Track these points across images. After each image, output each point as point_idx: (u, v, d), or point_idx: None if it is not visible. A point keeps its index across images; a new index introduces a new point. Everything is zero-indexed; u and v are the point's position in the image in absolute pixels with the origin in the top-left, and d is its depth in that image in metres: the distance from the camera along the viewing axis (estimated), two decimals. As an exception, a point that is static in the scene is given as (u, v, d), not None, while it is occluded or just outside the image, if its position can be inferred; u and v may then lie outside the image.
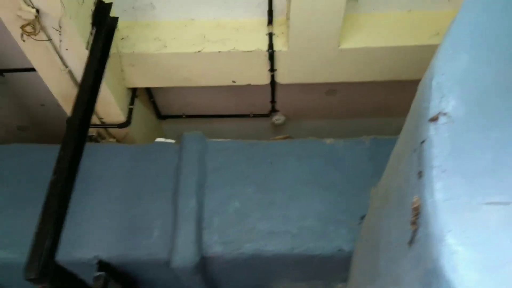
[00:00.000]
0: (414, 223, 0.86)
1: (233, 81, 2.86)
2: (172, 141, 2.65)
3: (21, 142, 2.72)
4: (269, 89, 3.18)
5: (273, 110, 3.62)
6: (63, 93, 2.45)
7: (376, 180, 2.39)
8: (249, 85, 2.92)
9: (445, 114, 0.91)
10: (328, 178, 2.43)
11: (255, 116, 3.67)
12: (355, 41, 2.60)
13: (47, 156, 2.48)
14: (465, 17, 1.05)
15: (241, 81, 2.86)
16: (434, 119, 0.91)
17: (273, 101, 3.44)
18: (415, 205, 0.86)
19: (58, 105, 3.02)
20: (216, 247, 2.21)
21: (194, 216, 2.27)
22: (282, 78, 2.84)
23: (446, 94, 0.93)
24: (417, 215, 0.85)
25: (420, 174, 0.88)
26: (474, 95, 0.94)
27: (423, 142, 0.90)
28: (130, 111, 2.85)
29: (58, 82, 2.35)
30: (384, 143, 2.55)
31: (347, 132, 4.02)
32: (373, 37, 2.61)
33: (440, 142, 0.87)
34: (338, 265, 2.24)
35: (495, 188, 0.80)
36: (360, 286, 1.53)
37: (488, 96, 0.94)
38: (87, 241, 2.21)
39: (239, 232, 2.25)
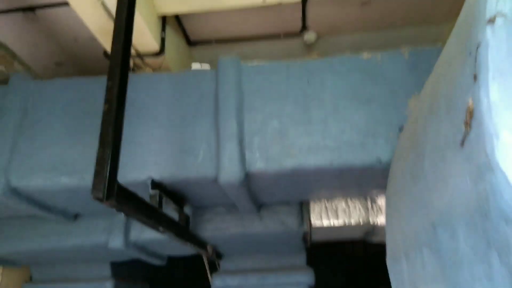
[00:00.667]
0: (467, 124, 0.90)
1: (263, 0, 2.77)
2: (208, 66, 2.68)
3: (58, 77, 2.84)
4: (300, 5, 3.06)
5: (304, 28, 3.52)
6: (98, 25, 2.47)
7: (414, 91, 2.40)
8: (279, 4, 2.82)
9: (503, 15, 0.89)
10: (366, 92, 2.44)
11: (286, 35, 3.58)
12: None
13: (92, 88, 2.62)
14: None
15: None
16: (491, 20, 0.90)
17: (304, 17, 3.33)
18: (469, 107, 0.90)
19: (91, 39, 3.05)
20: (258, 164, 2.35)
21: (236, 137, 2.38)
22: (313, -9, 2.71)
23: (504, -7, 0.91)
24: (471, 116, 0.89)
25: (475, 77, 0.90)
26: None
27: (478, 44, 0.91)
28: (163, 40, 2.86)
29: (93, 15, 2.37)
30: (423, 54, 2.49)
31: (384, 44, 3.90)
32: None
33: (497, 44, 0.87)
34: (376, 174, 2.35)
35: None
36: (400, 189, 1.63)
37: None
38: (140, 164, 2.39)
39: (279, 149, 2.36)
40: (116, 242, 2.97)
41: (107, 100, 1.88)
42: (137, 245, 3.14)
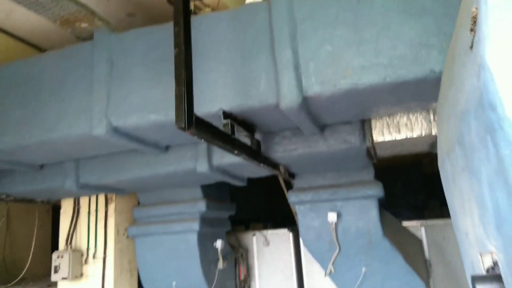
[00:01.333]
0: (472, 29, 1.03)
1: None
2: (260, -1, 2.82)
3: (130, 28, 3.19)
4: None
5: None
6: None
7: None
8: None
9: None
10: (417, 3, 2.42)
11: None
12: None
13: (163, 35, 2.94)
14: None
15: None
16: None
17: None
18: (473, 14, 1.01)
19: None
20: (314, 87, 2.54)
21: (292, 64, 2.57)
22: None
23: None
24: (475, 23, 1.01)
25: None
26: None
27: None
28: (216, -22, 3.03)
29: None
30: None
31: None
32: None
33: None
34: (432, 86, 2.42)
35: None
36: (443, 95, 1.75)
37: None
38: (211, 98, 2.74)
39: (333, 72, 2.51)
40: (202, 167, 3.48)
41: (176, 44, 2.18)
42: (220, 169, 3.63)
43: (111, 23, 3.92)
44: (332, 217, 3.98)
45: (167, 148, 3.65)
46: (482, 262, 1.30)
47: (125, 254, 4.84)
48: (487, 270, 1.26)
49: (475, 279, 1.20)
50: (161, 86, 2.87)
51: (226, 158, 3.50)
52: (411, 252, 4.39)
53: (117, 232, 4.78)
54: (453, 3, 2.31)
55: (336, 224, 4.00)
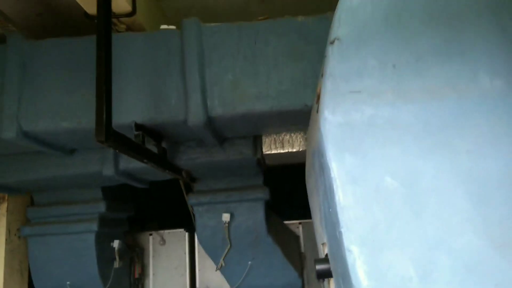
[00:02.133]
0: (317, 102, 1.64)
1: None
2: (173, 27, 3.23)
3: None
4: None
5: (258, -17, 4.01)
6: (79, -7, 2.94)
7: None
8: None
9: (338, 39, 1.59)
10: (300, 50, 3.10)
11: (242, -11, 4.08)
12: None
13: (79, 47, 3.15)
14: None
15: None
16: (332, 42, 1.59)
17: (257, -25, 3.82)
18: (318, 92, 1.62)
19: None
20: (217, 109, 3.06)
21: (199, 87, 3.05)
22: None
23: (341, 25, 1.59)
24: (318, 98, 1.62)
25: (322, 75, 1.62)
26: (358, 22, 1.60)
27: (325, 56, 1.61)
28: (134, 1, 3.34)
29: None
30: (346, 17, 3.11)
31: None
32: None
33: (332, 57, 1.58)
34: (306, 116, 3.11)
35: (355, 83, 1.54)
36: (310, 129, 2.41)
37: (367, 23, 1.60)
38: (125, 111, 3.05)
39: (233, 97, 3.06)
40: (109, 170, 3.72)
41: (98, 65, 2.49)
42: (125, 173, 3.90)
43: (20, 25, 3.91)
44: (226, 217, 4.53)
45: (72, 151, 3.80)
46: (323, 250, 1.95)
47: (16, 254, 4.72)
48: (326, 255, 1.91)
49: (316, 261, 1.83)
50: (75, 94, 3.08)
51: (132, 163, 3.79)
52: (290, 247, 5.19)
53: (8, 232, 4.64)
54: (323, 54, 3.04)
55: (229, 223, 4.57)
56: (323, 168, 1.53)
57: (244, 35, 3.13)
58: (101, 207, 4.63)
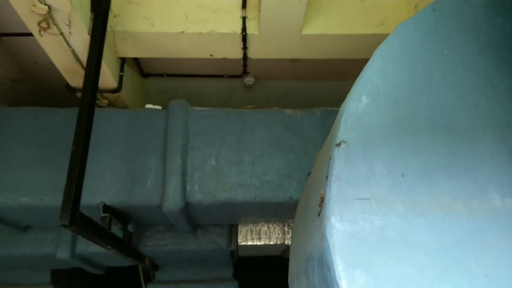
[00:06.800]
0: (320, 205, 1.52)
1: (211, 55, 3.32)
2: (159, 107, 3.16)
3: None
4: (241, 59, 3.65)
5: (245, 72, 4.12)
6: (65, 66, 2.85)
7: (322, 144, 3.07)
8: (224, 58, 3.40)
9: (345, 142, 1.53)
10: (286, 141, 3.07)
11: (229, 76, 4.16)
12: (314, 28, 3.09)
13: (54, 119, 2.98)
14: (368, 72, 1.63)
15: (218, 55, 3.33)
16: (338, 144, 1.53)
17: (244, 65, 3.93)
18: (322, 195, 1.51)
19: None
20: (196, 195, 2.88)
21: (179, 171, 2.88)
22: (252, 54, 3.33)
23: (348, 128, 1.55)
24: (322, 201, 1.51)
25: (327, 177, 1.52)
26: (365, 127, 1.56)
27: (330, 157, 1.53)
28: (121, 78, 3.29)
29: (62, 58, 2.75)
30: (331, 114, 3.18)
31: (309, 91, 4.62)
32: (330, 24, 3.10)
33: (339, 160, 1.50)
34: (289, 209, 2.99)
35: (363, 189, 1.45)
36: (298, 227, 2.25)
37: (374, 129, 1.56)
38: (95, 190, 2.80)
39: (215, 184, 2.90)
40: (63, 254, 3.31)
41: (75, 142, 2.30)
42: (82, 257, 3.49)
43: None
44: (189, 312, 4.07)
45: (26, 228, 3.39)
46: None
47: None
48: None
49: None
50: (42, 169, 2.82)
51: (91, 247, 3.41)
52: None
53: None
54: (311, 146, 3.02)
55: (191, 320, 4.09)
56: (330, 283, 1.35)
57: (231, 122, 3.09)
58: (47, 293, 4.06)
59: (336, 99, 4.63)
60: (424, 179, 1.46)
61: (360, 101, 1.59)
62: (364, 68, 1.66)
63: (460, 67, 1.65)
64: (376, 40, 3.17)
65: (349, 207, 1.42)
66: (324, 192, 1.51)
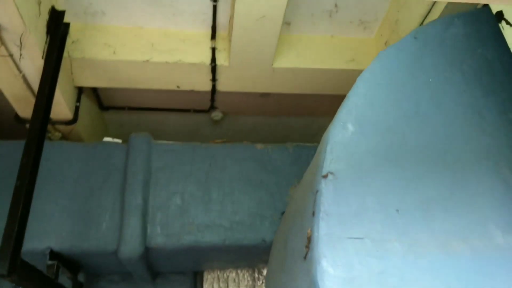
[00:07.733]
0: (307, 246, 1.32)
1: (178, 86, 3.15)
2: (119, 140, 2.90)
3: None
4: (210, 92, 3.51)
5: (212, 107, 3.96)
6: (15, 94, 2.57)
7: (296, 180, 2.91)
8: (192, 90, 3.23)
9: (332, 173, 1.37)
10: (257, 178, 2.88)
11: (196, 111, 3.99)
12: (286, 61, 3.02)
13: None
14: (352, 99, 1.52)
15: (185, 86, 3.16)
16: (325, 176, 1.36)
17: (212, 100, 3.78)
18: (308, 235, 1.32)
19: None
20: (158, 239, 2.58)
21: (139, 211, 2.59)
22: (222, 86, 3.19)
23: (335, 159, 1.39)
24: (309, 241, 1.31)
25: (313, 213, 1.34)
26: (353, 157, 1.42)
27: (317, 191, 1.36)
28: (77, 109, 3.02)
29: (11, 85, 2.47)
30: (304, 149, 3.05)
31: (278, 127, 4.53)
32: (301, 58, 3.05)
33: (327, 193, 1.33)
34: (262, 252, 2.74)
35: (355, 226, 1.28)
36: (275, 272, 2.02)
37: (363, 159, 1.42)
38: (41, 233, 2.44)
39: (179, 226, 2.63)
40: (-2, 310, 2.83)
41: (20, 177, 1.99)
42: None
43: None
44: None
45: (-46, 280, 2.90)
46: None
47: None
48: None
49: None
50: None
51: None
52: None
53: None
54: (283, 183, 2.84)
55: None
56: None
57: (198, 157, 2.88)
58: None
59: (305, 135, 4.60)
60: (420, 214, 1.32)
61: (346, 129, 1.45)
62: (348, 95, 1.54)
63: (447, 96, 1.57)
64: (347, 75, 3.15)
65: (341, 248, 1.23)
66: (311, 230, 1.32)
